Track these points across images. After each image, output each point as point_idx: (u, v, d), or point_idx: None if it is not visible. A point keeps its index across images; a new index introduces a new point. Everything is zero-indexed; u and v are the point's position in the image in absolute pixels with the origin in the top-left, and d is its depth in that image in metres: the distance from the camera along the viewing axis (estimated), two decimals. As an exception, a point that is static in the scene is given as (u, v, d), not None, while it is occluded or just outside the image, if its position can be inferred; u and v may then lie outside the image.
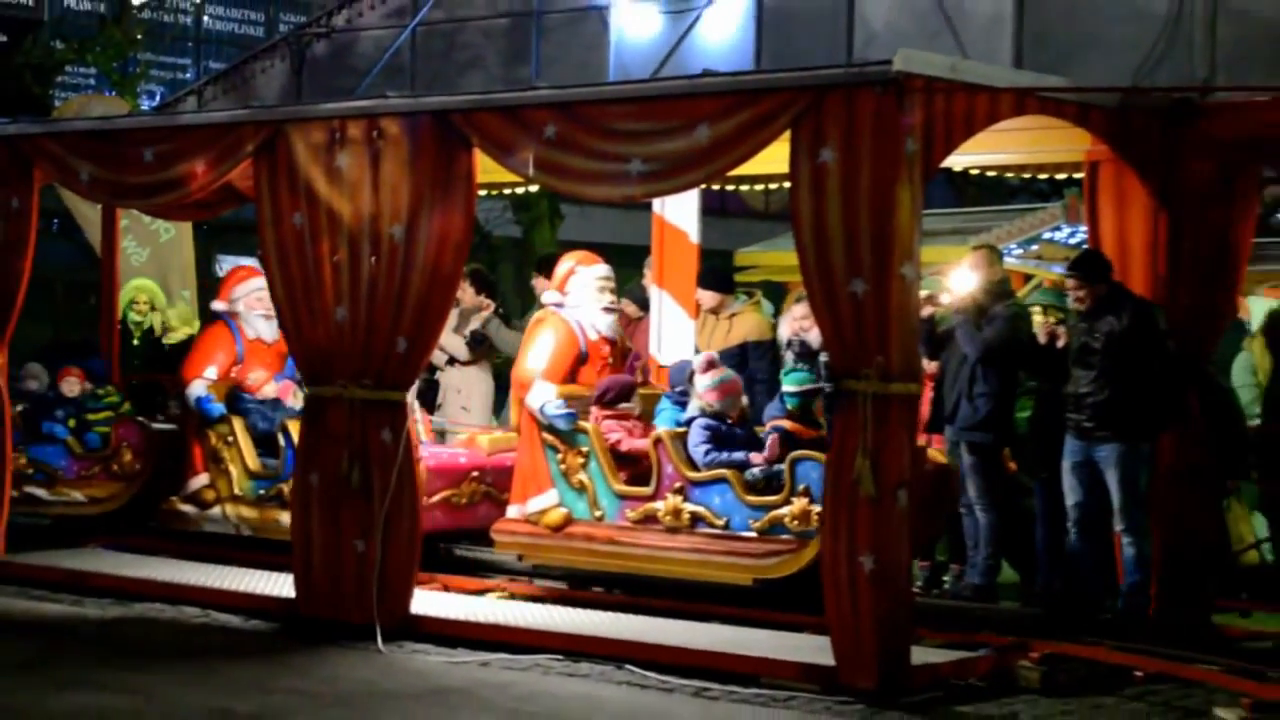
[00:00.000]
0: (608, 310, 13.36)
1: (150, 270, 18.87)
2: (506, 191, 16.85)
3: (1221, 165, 12.18)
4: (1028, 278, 19.71)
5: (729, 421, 12.46)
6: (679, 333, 14.29)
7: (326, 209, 12.49)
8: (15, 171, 14.51)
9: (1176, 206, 12.32)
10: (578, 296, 13.11)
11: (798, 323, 13.91)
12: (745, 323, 14.78)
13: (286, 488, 13.68)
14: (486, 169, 12.51)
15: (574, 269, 13.33)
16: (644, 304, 14.88)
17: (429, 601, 12.57)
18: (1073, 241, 16.91)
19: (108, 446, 15.30)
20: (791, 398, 12.71)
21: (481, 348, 15.41)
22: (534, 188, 14.92)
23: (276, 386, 14.77)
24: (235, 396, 14.90)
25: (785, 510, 11.65)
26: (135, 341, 17.14)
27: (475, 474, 13.73)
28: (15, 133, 15.12)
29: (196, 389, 14.96)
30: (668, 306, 14.33)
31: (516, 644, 11.77)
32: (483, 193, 13.93)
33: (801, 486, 11.60)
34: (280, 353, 15.13)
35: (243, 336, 15.27)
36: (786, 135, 10.70)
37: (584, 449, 12.43)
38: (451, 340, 15.14)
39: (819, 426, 12.51)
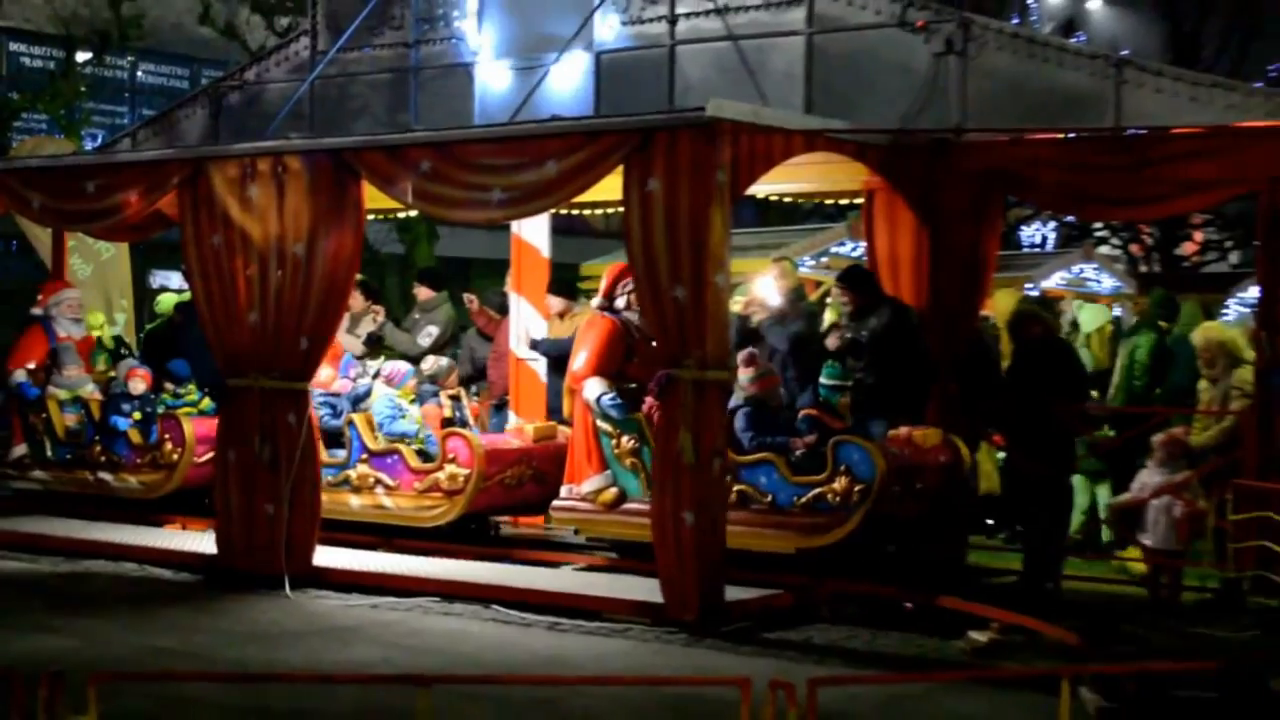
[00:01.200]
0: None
1: (93, 283, 18.64)
2: (390, 215, 16.71)
3: (972, 192, 12.30)
4: (818, 284, 19.90)
5: (770, 407, 11.81)
6: (533, 331, 14.29)
7: (240, 231, 12.40)
8: (-23, 201, 14.34)
9: (937, 226, 12.45)
10: (628, 300, 12.23)
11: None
12: (584, 323, 14.84)
13: (354, 474, 13.17)
14: (373, 197, 12.45)
15: (624, 277, 12.28)
16: (503, 308, 14.83)
17: (329, 555, 12.52)
18: (855, 254, 17.05)
19: (160, 439, 14.41)
20: (825, 390, 12.21)
21: (375, 345, 15.32)
22: (413, 212, 14.84)
23: (340, 382, 14.02)
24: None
25: (827, 487, 11.13)
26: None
27: (523, 458, 13.20)
28: (-22, 169, 14.91)
29: (18, 376, 14.94)
30: (524, 310, 14.34)
31: (401, 589, 11.75)
32: (370, 217, 13.85)
33: (842, 466, 11.08)
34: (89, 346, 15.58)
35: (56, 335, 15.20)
36: (620, 168, 10.76)
37: (635, 435, 11.81)
38: (346, 339, 15.05)
39: (842, 417, 12.02)
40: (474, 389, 15.41)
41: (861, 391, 12.50)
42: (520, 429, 13.54)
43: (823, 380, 12.27)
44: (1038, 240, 37.16)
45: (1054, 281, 24.62)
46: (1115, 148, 11.67)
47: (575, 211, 14.48)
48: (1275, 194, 11.10)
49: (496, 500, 12.90)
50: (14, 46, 31.00)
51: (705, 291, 10.44)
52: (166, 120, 17.16)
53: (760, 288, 13.65)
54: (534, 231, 14.42)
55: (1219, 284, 26.73)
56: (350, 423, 13.25)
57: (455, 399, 13.47)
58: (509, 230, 14.51)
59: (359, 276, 13.59)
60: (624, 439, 11.89)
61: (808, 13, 13.09)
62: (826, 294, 18.81)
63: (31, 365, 15.06)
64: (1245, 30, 37.19)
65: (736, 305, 13.06)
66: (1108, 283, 26.07)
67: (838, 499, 11.05)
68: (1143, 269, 34.85)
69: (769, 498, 11.23)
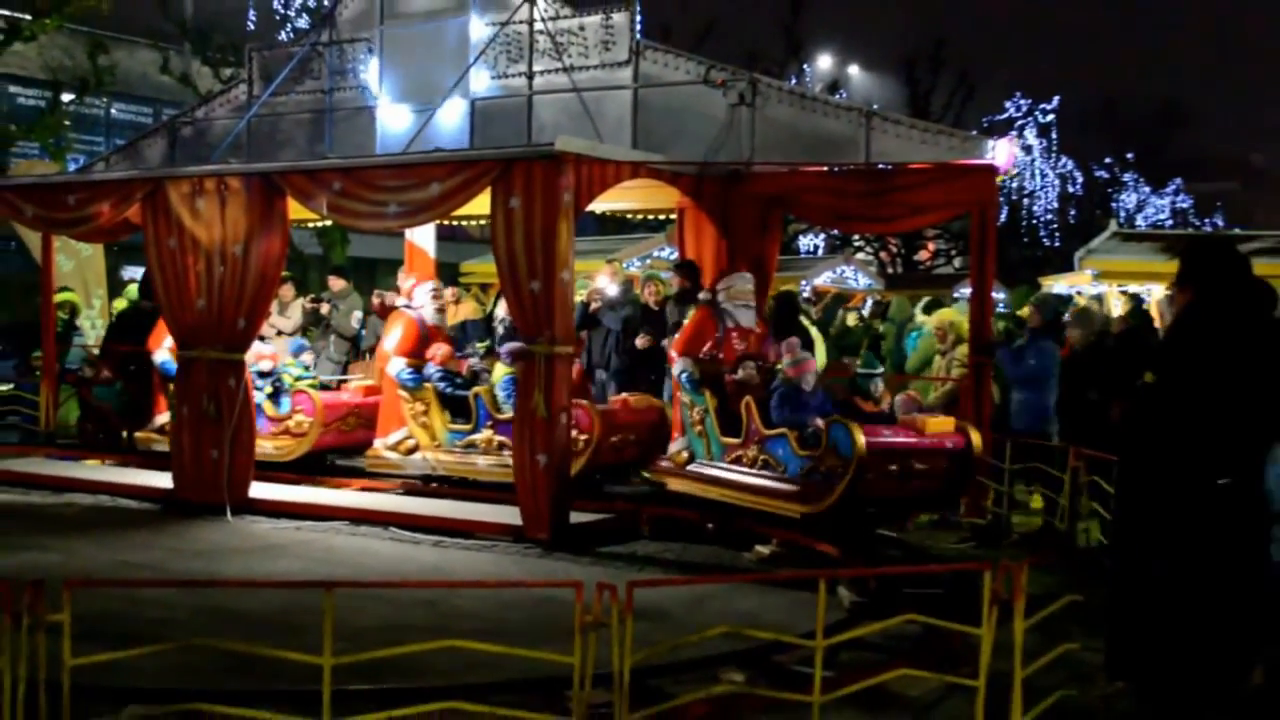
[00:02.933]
0: (748, 307, 11.62)
1: (74, 276, 18.31)
2: (310, 224, 16.50)
3: (759, 211, 12.38)
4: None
5: (804, 391, 10.55)
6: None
7: (191, 235, 12.21)
8: (-21, 211, 14.01)
9: (732, 237, 12.52)
10: (726, 295, 11.58)
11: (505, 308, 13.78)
12: (465, 309, 14.73)
13: (479, 439, 12.25)
14: (296, 210, 12.34)
15: (729, 277, 11.78)
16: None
17: (261, 488, 12.37)
18: (672, 257, 17.09)
19: (291, 410, 13.37)
20: (860, 378, 11.68)
21: (317, 324, 15.26)
22: (328, 222, 14.65)
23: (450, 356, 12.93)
24: (421, 368, 12.71)
25: (821, 462, 9.83)
26: (58, 329, 16.46)
27: (627, 425, 12.08)
28: (-20, 186, 14.55)
29: (160, 355, 13.80)
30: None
31: (319, 515, 11.64)
32: (295, 225, 13.71)
33: (832, 445, 9.79)
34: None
35: None
36: (489, 189, 10.70)
37: (703, 407, 11.14)
38: (278, 320, 14.88)
39: (877, 400, 11.31)
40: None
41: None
42: (625, 400, 12.62)
43: (858, 369, 11.87)
44: (810, 248, 37.59)
45: (822, 279, 24.97)
46: (866, 178, 11.80)
47: (455, 221, 14.39)
48: (984, 214, 11.32)
49: (606, 460, 12.02)
50: (12, 89, 30.67)
51: (554, 285, 10.43)
52: (133, 148, 16.82)
53: (599, 282, 13.70)
54: (423, 237, 14.32)
55: (946, 282, 27.24)
56: (476, 395, 12.33)
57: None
58: (404, 236, 14.38)
59: (285, 273, 13.40)
60: (695, 409, 11.25)
61: (634, 72, 13.10)
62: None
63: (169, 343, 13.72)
64: (964, 93, 37.95)
65: (580, 295, 13.06)
66: (863, 281, 26.50)
67: (825, 471, 9.88)
68: (889, 271, 35.37)
69: (783, 468, 10.31)
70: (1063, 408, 11.60)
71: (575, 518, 10.80)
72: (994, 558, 8.36)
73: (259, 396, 13.16)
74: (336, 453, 14.14)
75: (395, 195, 11.24)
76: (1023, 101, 48.41)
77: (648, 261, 21.01)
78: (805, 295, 21.56)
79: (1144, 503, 5.28)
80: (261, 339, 13.56)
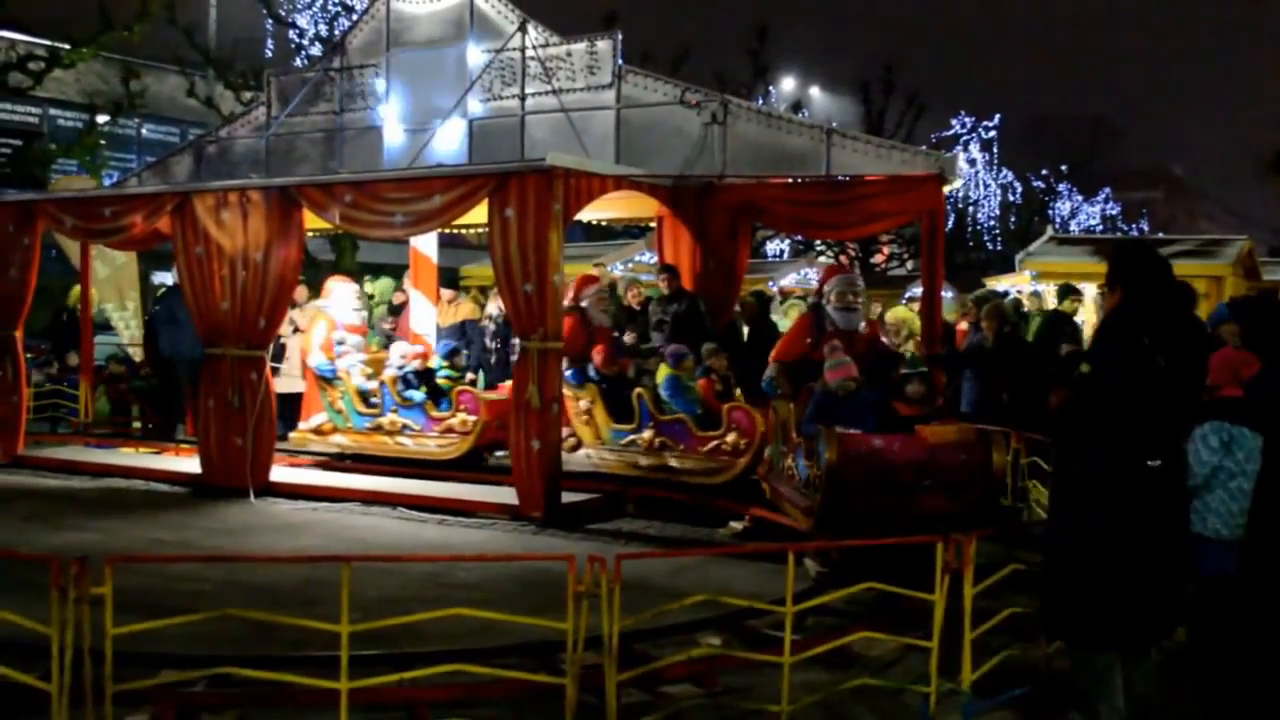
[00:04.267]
0: (847, 309, 10.29)
1: (109, 281, 18.20)
2: (324, 233, 16.44)
3: (730, 219, 12.39)
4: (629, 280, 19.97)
5: (839, 396, 9.50)
6: (425, 314, 14.17)
7: (215, 243, 12.16)
8: (27, 222, 13.93)
9: (705, 243, 12.54)
10: (829, 297, 10.45)
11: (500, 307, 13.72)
12: (464, 309, 14.72)
13: (641, 439, 11.31)
14: (311, 220, 12.31)
15: (830, 277, 10.70)
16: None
17: (281, 473, 12.34)
18: (652, 261, 17.07)
19: (454, 409, 12.40)
20: (902, 378, 9.87)
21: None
22: (340, 231, 14.60)
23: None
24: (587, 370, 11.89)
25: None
26: (65, 318, 16.39)
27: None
28: (28, 199, 14.54)
29: (314, 358, 12.98)
30: (418, 299, 14.19)
31: (334, 497, 11.62)
32: (309, 234, 13.69)
33: (816, 455, 8.74)
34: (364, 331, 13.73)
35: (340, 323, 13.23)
36: (486, 201, 10.68)
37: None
38: (296, 316, 14.85)
39: (918, 402, 9.49)
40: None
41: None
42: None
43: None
44: (777, 252, 37.57)
45: (788, 281, 24.95)
46: (826, 189, 11.80)
47: (456, 230, 14.35)
48: (933, 221, 11.35)
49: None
50: (52, 111, 30.49)
51: (546, 287, 10.41)
52: (163, 165, 16.76)
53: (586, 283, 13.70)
54: (426, 244, 14.29)
55: (900, 283, 27.25)
56: (639, 395, 11.39)
57: (725, 377, 11.62)
58: (409, 243, 14.35)
59: (301, 276, 13.38)
60: (775, 414, 10.36)
61: (616, 94, 13.10)
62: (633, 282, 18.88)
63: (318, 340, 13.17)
64: (915, 112, 37.99)
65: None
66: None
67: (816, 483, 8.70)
68: (847, 272, 35.32)
69: (800, 479, 9.26)
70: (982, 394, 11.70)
71: (566, 497, 10.79)
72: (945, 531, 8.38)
73: (417, 396, 12.64)
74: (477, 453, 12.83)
75: (401, 206, 11.21)
76: (967, 119, 48.57)
77: (630, 265, 21.00)
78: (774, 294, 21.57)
79: (1079, 481, 5.31)
80: (280, 338, 13.54)
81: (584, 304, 12.10)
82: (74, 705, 5.03)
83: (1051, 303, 19.43)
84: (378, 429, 12.72)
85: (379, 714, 5.69)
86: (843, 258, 37.92)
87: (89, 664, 5.00)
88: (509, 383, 12.32)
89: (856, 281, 10.72)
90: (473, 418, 12.29)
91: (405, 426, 12.65)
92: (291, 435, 13.36)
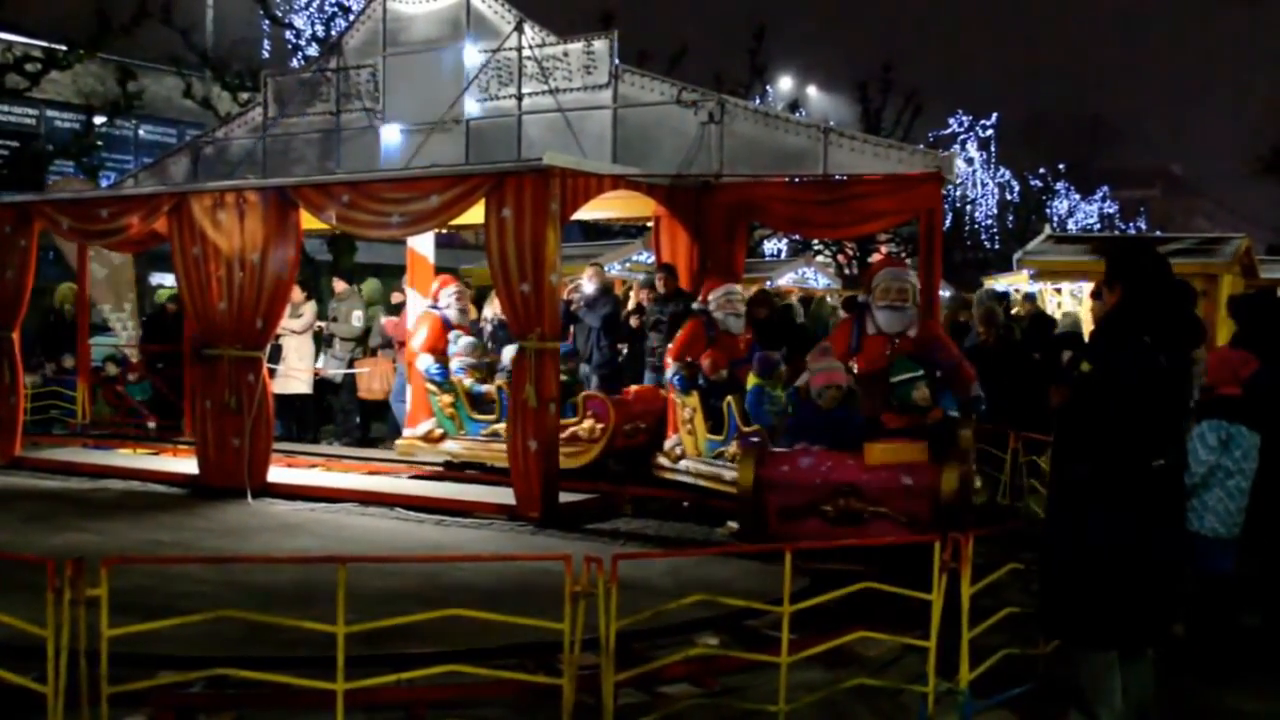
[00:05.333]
0: (892, 308, 9.23)
1: (107, 283, 18.16)
2: (321, 233, 16.42)
3: (727, 218, 12.38)
4: (623, 281, 19.97)
5: (820, 408, 8.78)
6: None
7: (212, 244, 12.15)
8: (24, 223, 13.91)
9: (703, 242, 12.52)
10: (875, 293, 9.71)
11: (496, 308, 13.71)
12: (461, 309, 14.72)
13: (729, 450, 10.54)
14: (308, 220, 12.29)
15: (878, 270, 9.90)
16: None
17: (279, 473, 12.33)
18: (650, 261, 17.06)
19: (578, 415, 11.89)
20: (898, 386, 8.85)
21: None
22: (337, 231, 14.57)
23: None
24: (695, 378, 11.17)
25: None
26: (68, 321, 16.35)
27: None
28: (24, 200, 14.49)
29: (423, 362, 12.61)
30: (415, 298, 14.16)
31: (331, 497, 11.61)
32: (307, 234, 13.66)
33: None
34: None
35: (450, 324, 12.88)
36: (483, 201, 10.67)
37: (691, 408, 10.46)
38: (290, 322, 14.82)
39: (919, 410, 8.68)
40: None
41: (661, 356, 12.55)
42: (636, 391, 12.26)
43: (892, 378, 8.99)
44: (774, 251, 37.55)
45: (785, 280, 24.95)
46: (823, 188, 11.78)
47: (452, 230, 14.34)
48: (930, 220, 11.34)
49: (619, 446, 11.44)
50: (50, 113, 30.48)
51: (543, 287, 10.39)
52: (160, 166, 16.74)
53: (584, 284, 13.70)
54: (423, 244, 14.25)
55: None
56: (729, 405, 10.67)
57: None
58: (405, 243, 14.33)
59: (298, 276, 13.36)
60: (685, 409, 10.45)
61: (613, 93, 13.07)
62: (629, 288, 18.90)
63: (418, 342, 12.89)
64: (912, 110, 38.02)
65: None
66: (823, 281, 26.48)
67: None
68: (846, 271, 35.38)
69: None
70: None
71: (563, 498, 10.77)
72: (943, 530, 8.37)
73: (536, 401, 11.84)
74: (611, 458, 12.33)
75: (398, 207, 11.19)
76: (965, 118, 48.60)
77: (627, 265, 20.99)
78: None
79: (1080, 481, 5.30)
80: (278, 338, 13.51)
81: (711, 307, 11.46)
82: (70, 707, 5.02)
83: (1051, 302, 19.46)
84: (494, 436, 11.99)
85: (376, 715, 5.68)
86: (841, 257, 38.00)
87: (85, 666, 4.98)
88: (635, 386, 12.34)
89: (908, 275, 9.69)
90: (601, 425, 11.75)
91: None
92: (397, 443, 13.03)
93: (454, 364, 12.57)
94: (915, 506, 7.63)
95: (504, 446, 11.21)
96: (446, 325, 12.81)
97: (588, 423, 11.88)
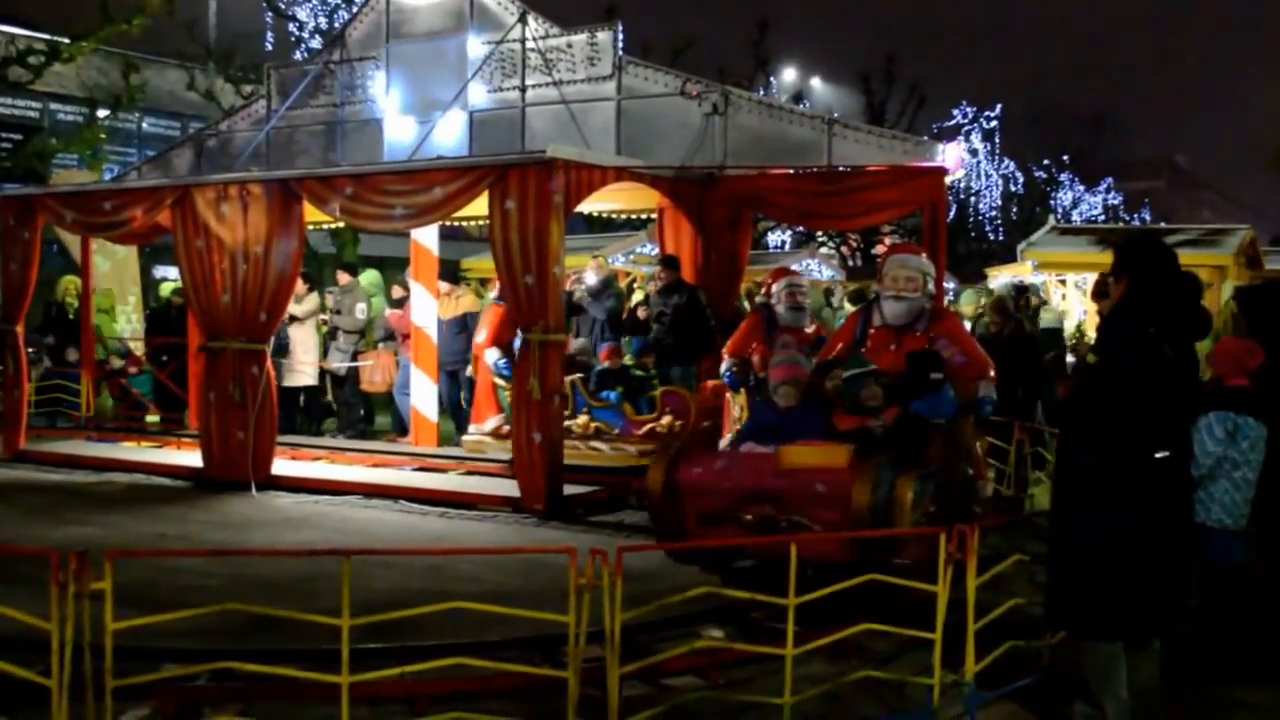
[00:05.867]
0: (898, 299, 8.33)
1: (111, 275, 18.19)
2: (324, 226, 16.43)
3: (731, 210, 12.39)
4: (628, 273, 19.96)
5: (773, 405, 8.11)
6: (426, 307, 14.12)
7: (216, 237, 12.16)
8: (27, 216, 13.98)
9: (707, 234, 12.53)
10: (779, 296, 10.37)
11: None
12: (465, 301, 14.63)
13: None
14: (311, 213, 12.30)
15: (884, 261, 9.16)
16: (408, 288, 14.63)
17: (283, 466, 12.32)
18: (654, 253, 17.06)
19: (656, 411, 11.72)
20: (847, 383, 8.01)
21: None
22: (341, 224, 14.58)
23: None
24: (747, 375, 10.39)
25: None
26: (70, 316, 16.34)
27: None
28: (28, 193, 14.52)
29: (491, 356, 12.29)
30: (418, 292, 14.14)
31: (335, 490, 11.61)
32: (310, 227, 13.66)
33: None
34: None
35: None
36: (486, 193, 10.65)
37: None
38: (292, 307, 14.78)
39: (869, 411, 7.87)
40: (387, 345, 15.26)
41: (664, 348, 12.54)
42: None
43: (844, 374, 8.13)
44: (778, 243, 37.56)
45: (789, 272, 24.90)
46: (827, 179, 11.79)
47: (456, 222, 14.33)
48: (934, 212, 11.32)
49: None
50: (53, 105, 30.48)
51: (547, 279, 10.39)
52: (163, 159, 16.74)
53: (587, 276, 13.68)
54: (427, 237, 14.24)
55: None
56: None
57: None
58: (409, 236, 14.32)
59: (301, 269, 13.36)
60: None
61: (617, 85, 13.06)
62: (634, 280, 18.89)
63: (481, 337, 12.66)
64: (916, 102, 37.97)
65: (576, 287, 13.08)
66: (827, 273, 26.45)
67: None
68: (850, 263, 35.38)
69: None
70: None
71: (568, 490, 10.77)
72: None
73: (612, 396, 11.88)
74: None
75: (402, 199, 11.18)
76: (968, 109, 48.50)
77: (631, 257, 20.97)
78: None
79: (1086, 472, 5.27)
80: (287, 323, 13.51)
81: (773, 300, 10.84)
82: (74, 700, 5.01)
83: (1055, 295, 19.44)
84: (567, 433, 11.52)
85: (380, 707, 5.67)
86: (845, 248, 37.96)
87: (89, 659, 4.97)
88: (712, 381, 11.46)
89: (803, 281, 9.74)
90: (680, 421, 11.23)
91: (600, 430, 11.94)
92: (464, 439, 12.77)
93: (776, 359, 10.56)
94: (830, 516, 6.89)
95: (575, 441, 11.15)
96: (573, 309, 12.19)
97: (666, 419, 11.71)
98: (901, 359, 8.08)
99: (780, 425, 7.71)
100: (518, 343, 11.25)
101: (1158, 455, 5.20)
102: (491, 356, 12.25)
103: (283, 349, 14.40)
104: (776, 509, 7.07)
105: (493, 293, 13.17)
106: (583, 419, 12.03)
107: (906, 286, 8.45)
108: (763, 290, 11.27)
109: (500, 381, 12.15)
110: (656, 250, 14.53)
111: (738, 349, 10.50)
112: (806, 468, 7.11)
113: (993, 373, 8.32)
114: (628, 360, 12.73)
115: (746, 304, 13.52)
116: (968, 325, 13.34)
